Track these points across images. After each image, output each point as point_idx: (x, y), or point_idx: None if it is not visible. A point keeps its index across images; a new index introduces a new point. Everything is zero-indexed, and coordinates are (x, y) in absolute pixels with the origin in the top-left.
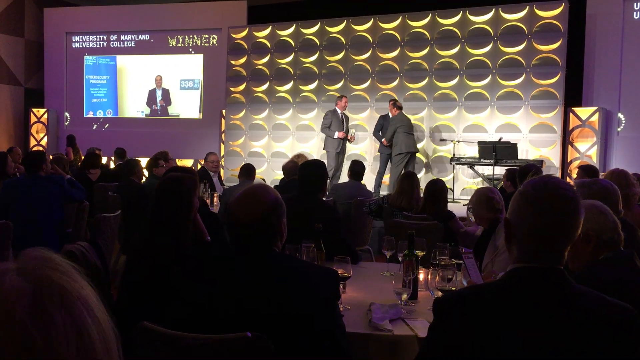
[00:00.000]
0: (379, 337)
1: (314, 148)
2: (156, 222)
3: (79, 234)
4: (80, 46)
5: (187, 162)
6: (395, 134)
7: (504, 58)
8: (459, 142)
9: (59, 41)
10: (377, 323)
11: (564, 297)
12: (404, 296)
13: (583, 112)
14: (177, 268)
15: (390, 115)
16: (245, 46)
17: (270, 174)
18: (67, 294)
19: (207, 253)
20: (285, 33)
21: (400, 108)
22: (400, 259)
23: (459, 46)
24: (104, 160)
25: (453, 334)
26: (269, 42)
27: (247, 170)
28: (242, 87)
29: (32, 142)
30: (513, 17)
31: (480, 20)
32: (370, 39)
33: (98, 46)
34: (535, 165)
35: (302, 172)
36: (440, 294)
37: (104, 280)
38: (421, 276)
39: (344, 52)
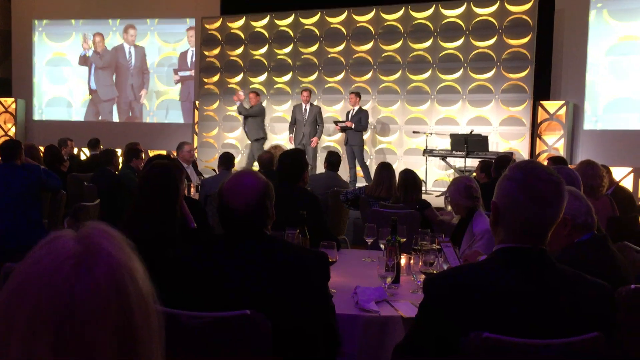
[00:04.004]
0: (366, 318)
1: (288, 140)
2: (143, 209)
3: (56, 224)
4: (48, 34)
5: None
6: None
7: (475, 52)
8: (431, 134)
9: (27, 29)
10: (364, 305)
11: (547, 274)
12: (388, 279)
13: (551, 105)
14: (168, 253)
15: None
16: (219, 37)
17: (244, 165)
18: (113, 261)
19: (194, 239)
20: (260, 24)
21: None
22: (381, 245)
23: (431, 40)
24: (75, 151)
25: (443, 310)
26: (243, 33)
27: (227, 160)
28: (215, 78)
29: (0, 132)
30: (484, 12)
31: (453, 14)
32: (345, 31)
33: (66, 34)
34: (510, 157)
35: (283, 161)
36: (423, 276)
37: None
38: (402, 261)
39: (318, 44)
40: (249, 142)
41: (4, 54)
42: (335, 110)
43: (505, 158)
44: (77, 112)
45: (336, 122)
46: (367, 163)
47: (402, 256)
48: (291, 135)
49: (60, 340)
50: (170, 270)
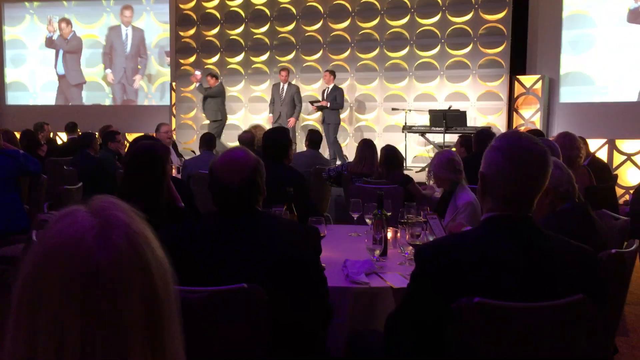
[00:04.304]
0: (357, 290)
1: (267, 120)
2: (130, 189)
3: (37, 209)
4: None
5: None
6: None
7: (452, 28)
8: (410, 111)
9: None
10: (354, 277)
11: (534, 241)
12: (377, 252)
13: (527, 80)
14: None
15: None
16: (194, 17)
17: (222, 146)
18: (130, 230)
19: (182, 218)
20: (235, 3)
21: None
22: (367, 220)
23: (408, 16)
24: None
25: (435, 279)
26: (219, 12)
27: (208, 141)
28: (192, 59)
29: None
30: None
31: None
32: (321, 9)
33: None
34: (490, 131)
35: (268, 138)
36: (410, 248)
37: None
38: (389, 235)
39: (295, 23)
40: (227, 122)
41: None
42: (313, 89)
43: (486, 132)
44: (39, 97)
45: (312, 102)
46: (346, 141)
47: (388, 230)
48: (270, 114)
49: (88, 309)
50: (163, 248)
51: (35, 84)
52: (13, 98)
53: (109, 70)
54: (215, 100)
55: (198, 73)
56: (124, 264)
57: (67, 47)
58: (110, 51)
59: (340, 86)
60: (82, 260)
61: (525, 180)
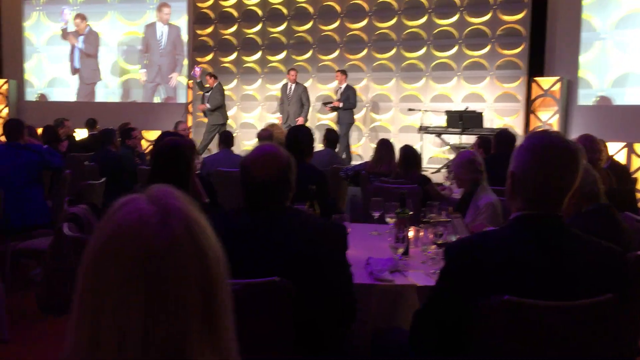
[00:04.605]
0: (381, 287)
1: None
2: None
3: (59, 204)
4: (38, 13)
5: (155, 133)
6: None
7: (469, 28)
8: (426, 111)
9: (17, 9)
10: (378, 275)
11: (563, 240)
12: (400, 250)
13: (545, 81)
14: None
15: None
16: (212, 16)
17: (239, 144)
18: (188, 219)
19: (206, 214)
20: (253, 2)
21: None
22: (388, 219)
23: (426, 16)
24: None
25: (463, 276)
26: (236, 11)
27: (227, 138)
28: (209, 57)
29: None
30: None
31: None
32: (338, 9)
33: (56, 12)
34: (510, 132)
35: (291, 136)
36: (433, 247)
37: None
38: (410, 234)
39: (312, 22)
40: (242, 121)
41: None
42: (329, 89)
43: (506, 133)
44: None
45: (325, 103)
46: (361, 141)
47: (409, 229)
48: (280, 115)
49: (150, 292)
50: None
51: (72, 80)
52: (55, 94)
53: (143, 70)
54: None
55: (198, 69)
56: (183, 250)
57: (82, 44)
58: (147, 49)
59: (355, 86)
60: (145, 245)
61: (556, 179)
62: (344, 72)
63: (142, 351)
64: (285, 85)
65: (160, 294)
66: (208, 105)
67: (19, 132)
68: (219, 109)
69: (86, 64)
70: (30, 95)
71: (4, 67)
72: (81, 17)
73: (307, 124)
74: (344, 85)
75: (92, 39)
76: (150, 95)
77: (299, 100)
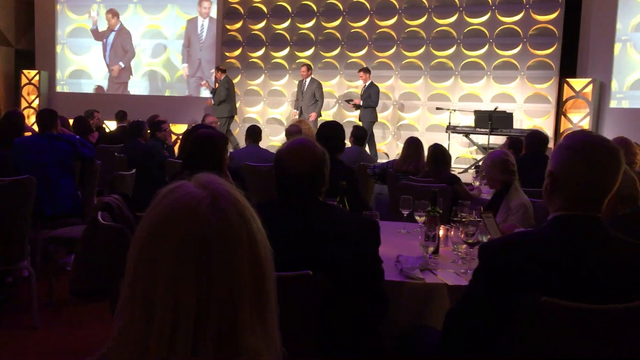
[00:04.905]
0: (411, 285)
1: (293, 115)
2: (188, 177)
3: (91, 193)
4: (70, 6)
5: (182, 127)
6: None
7: (501, 28)
8: (454, 110)
9: (50, 1)
10: (409, 272)
11: (602, 242)
12: (430, 249)
13: (577, 83)
14: None
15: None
16: (241, 11)
17: (265, 140)
18: (237, 202)
19: None
20: None
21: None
22: (417, 218)
23: (456, 15)
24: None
25: (499, 276)
26: (266, 7)
27: (254, 133)
28: (237, 52)
29: (24, 104)
30: None
31: None
32: (368, 5)
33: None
34: (543, 133)
35: (323, 132)
36: (464, 247)
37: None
38: (440, 233)
39: (341, 19)
40: (269, 116)
41: (27, 26)
42: (357, 86)
43: (538, 134)
44: (99, 84)
45: (347, 101)
46: (388, 140)
47: (440, 227)
48: (295, 110)
49: (202, 271)
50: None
51: (96, 72)
52: (76, 85)
53: (185, 65)
54: (229, 95)
55: (205, 81)
56: (234, 231)
57: (113, 40)
58: (189, 44)
59: (383, 84)
60: (198, 226)
61: (599, 179)
62: (367, 71)
63: (195, 331)
64: (300, 82)
65: (212, 274)
66: (212, 102)
67: (52, 122)
68: (225, 102)
69: (116, 61)
70: (81, 87)
71: (36, 59)
72: (112, 12)
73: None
74: (367, 83)
75: (124, 35)
76: (196, 89)
77: (312, 96)
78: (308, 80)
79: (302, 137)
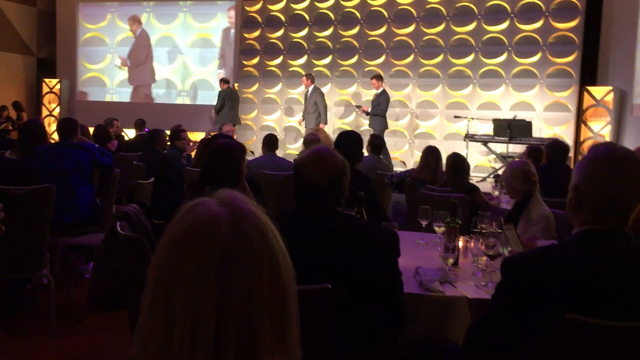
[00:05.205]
0: (430, 297)
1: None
2: (205, 186)
3: (109, 202)
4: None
5: (199, 135)
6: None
7: (520, 35)
8: (472, 119)
9: (71, 10)
10: (428, 284)
11: (629, 257)
12: (450, 261)
13: (598, 91)
14: None
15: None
16: (259, 20)
17: (282, 147)
18: (259, 222)
19: None
20: (300, 7)
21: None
22: (436, 228)
23: (475, 23)
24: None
25: (522, 292)
26: (283, 15)
27: (271, 142)
28: (255, 60)
29: (45, 112)
30: None
31: None
32: (386, 14)
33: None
34: (564, 143)
35: (341, 141)
36: (484, 259)
37: (154, 240)
38: (459, 244)
39: (358, 27)
40: (286, 124)
41: (48, 35)
42: (373, 94)
43: (560, 143)
44: (115, 93)
45: (357, 107)
46: (405, 148)
47: (459, 239)
48: (301, 118)
49: (222, 289)
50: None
51: (112, 80)
52: (91, 93)
53: (221, 70)
54: (227, 106)
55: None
56: (255, 251)
57: (134, 44)
58: (223, 52)
59: (400, 92)
60: (219, 244)
61: (625, 193)
62: (379, 78)
63: (214, 345)
64: (304, 92)
65: (232, 291)
66: (213, 112)
67: (72, 131)
68: (224, 111)
69: (137, 63)
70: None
71: (57, 68)
72: (134, 19)
73: (327, 128)
74: (379, 91)
75: (143, 40)
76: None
77: (314, 105)
78: (310, 89)
79: (323, 146)
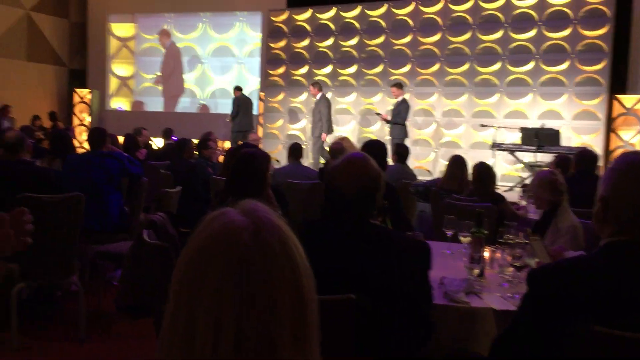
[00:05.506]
0: (456, 308)
1: (352, 132)
2: (231, 196)
3: (137, 210)
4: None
5: (226, 144)
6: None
7: (548, 43)
8: (499, 127)
9: (102, 22)
10: (453, 295)
11: None
12: (475, 271)
13: (628, 99)
14: None
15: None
16: (285, 29)
17: (308, 156)
18: (281, 232)
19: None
20: (325, 16)
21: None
22: (461, 238)
23: (501, 31)
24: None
25: (549, 304)
26: (309, 25)
27: (296, 151)
28: (280, 70)
29: (76, 121)
30: (558, 2)
31: (524, 4)
32: (411, 23)
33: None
34: (592, 152)
35: (367, 151)
36: (511, 270)
37: (180, 248)
38: (485, 254)
39: (384, 36)
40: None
41: (80, 47)
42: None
43: (589, 153)
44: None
45: (376, 114)
46: (431, 157)
47: (485, 249)
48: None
49: (243, 298)
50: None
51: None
52: (149, 104)
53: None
54: (241, 112)
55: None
56: (277, 262)
57: (164, 57)
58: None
59: (425, 100)
60: (241, 255)
61: None
62: (400, 86)
63: (235, 353)
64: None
65: (253, 300)
66: (229, 118)
67: (102, 140)
68: (237, 117)
69: (167, 74)
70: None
71: (88, 78)
72: (164, 32)
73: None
74: (400, 99)
75: (172, 53)
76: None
77: (319, 114)
78: (318, 97)
79: (358, 153)
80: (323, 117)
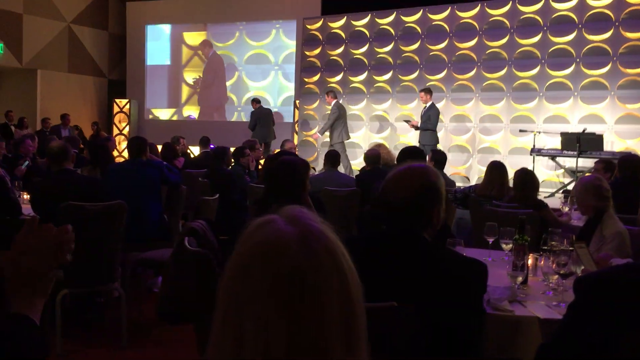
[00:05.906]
0: (499, 317)
1: (388, 139)
2: (270, 202)
3: (176, 218)
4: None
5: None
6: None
7: (588, 46)
8: (539, 132)
9: (140, 34)
10: (497, 303)
11: None
12: (519, 279)
13: None
14: None
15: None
16: (320, 37)
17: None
18: (328, 240)
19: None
20: (360, 23)
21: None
22: (503, 245)
23: (540, 34)
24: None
25: (597, 312)
26: (344, 32)
27: (333, 158)
28: (316, 77)
29: (115, 131)
30: (598, 4)
31: (563, 7)
32: (447, 28)
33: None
34: (637, 156)
35: (404, 157)
36: (555, 277)
37: (220, 255)
38: (529, 262)
39: (419, 42)
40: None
41: (119, 58)
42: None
43: (634, 157)
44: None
45: (405, 121)
46: (469, 163)
47: (528, 256)
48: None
49: (292, 307)
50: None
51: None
52: (161, 113)
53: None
54: (260, 124)
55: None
56: (324, 270)
57: (205, 67)
58: None
59: (462, 106)
60: (289, 263)
61: None
62: (428, 91)
63: None
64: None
65: (302, 313)
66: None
67: (141, 149)
68: (256, 129)
69: (210, 85)
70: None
71: (127, 88)
72: (205, 43)
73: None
74: (428, 104)
75: (212, 63)
76: None
77: (340, 121)
78: (332, 104)
79: (417, 163)
80: (327, 121)
